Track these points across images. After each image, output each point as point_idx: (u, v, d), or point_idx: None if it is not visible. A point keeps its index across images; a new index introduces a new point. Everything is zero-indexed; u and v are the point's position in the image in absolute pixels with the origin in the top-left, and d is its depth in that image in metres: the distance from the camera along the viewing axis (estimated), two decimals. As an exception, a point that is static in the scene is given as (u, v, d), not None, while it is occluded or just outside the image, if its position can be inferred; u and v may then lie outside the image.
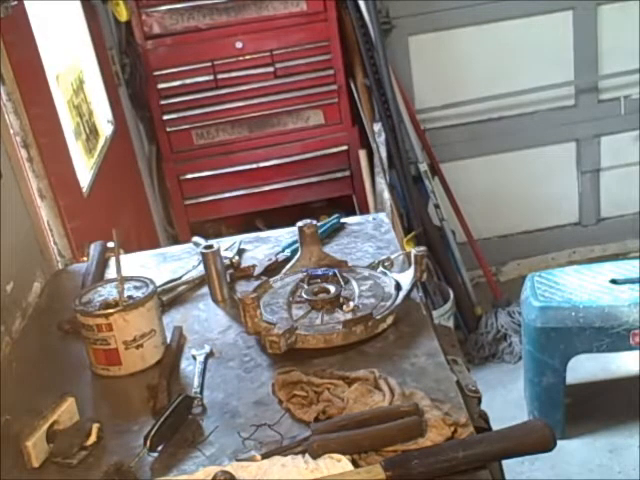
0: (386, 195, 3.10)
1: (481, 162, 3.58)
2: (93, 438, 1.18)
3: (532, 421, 1.08)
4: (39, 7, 2.19)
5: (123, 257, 1.52)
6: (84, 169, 2.38)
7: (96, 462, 1.15)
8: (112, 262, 1.65)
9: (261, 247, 1.74)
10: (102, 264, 1.69)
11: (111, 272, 1.63)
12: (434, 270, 3.21)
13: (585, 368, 2.89)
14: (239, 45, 3.13)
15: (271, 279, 1.52)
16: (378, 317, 1.35)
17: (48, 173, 1.86)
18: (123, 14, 2.97)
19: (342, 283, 1.46)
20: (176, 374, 1.34)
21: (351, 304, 1.39)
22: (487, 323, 3.28)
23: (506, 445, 1.05)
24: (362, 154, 3.20)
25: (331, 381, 1.22)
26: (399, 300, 1.39)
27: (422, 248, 1.47)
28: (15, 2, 1.86)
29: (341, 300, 1.41)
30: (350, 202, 3.31)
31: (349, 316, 1.36)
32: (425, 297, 1.47)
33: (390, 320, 1.37)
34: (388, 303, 1.39)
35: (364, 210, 3.20)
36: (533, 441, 1.06)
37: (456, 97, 3.46)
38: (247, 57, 3.15)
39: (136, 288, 1.38)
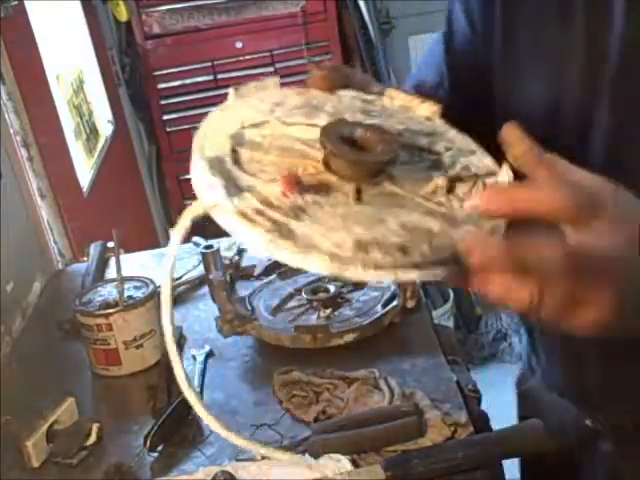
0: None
1: (481, 162, 3.58)
2: (93, 438, 1.18)
3: (532, 421, 1.08)
4: (39, 7, 2.19)
5: (123, 257, 1.52)
6: (84, 169, 2.38)
7: (96, 462, 1.15)
8: (112, 262, 1.65)
9: (261, 247, 1.73)
10: (102, 264, 1.69)
11: (111, 272, 1.63)
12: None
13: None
14: (239, 45, 3.13)
15: None
16: (334, 332, 1.33)
17: (48, 173, 1.86)
18: (123, 14, 2.97)
19: (347, 288, 1.45)
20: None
21: (328, 311, 1.39)
22: (487, 323, 3.28)
23: (506, 445, 1.06)
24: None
25: (331, 381, 1.22)
26: (365, 322, 1.35)
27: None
28: (15, 2, 1.86)
29: (319, 304, 1.40)
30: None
31: (322, 322, 1.36)
32: (425, 297, 1.46)
33: (350, 338, 1.32)
34: (361, 319, 1.35)
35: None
36: (533, 441, 1.05)
37: (456, 97, 3.45)
38: (247, 57, 3.15)
39: (136, 288, 1.38)
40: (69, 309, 1.42)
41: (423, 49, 3.40)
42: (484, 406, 1.20)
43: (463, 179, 0.70)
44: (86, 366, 1.38)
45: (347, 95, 0.81)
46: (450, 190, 0.70)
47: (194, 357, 1.37)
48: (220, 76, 3.15)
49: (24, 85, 1.83)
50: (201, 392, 1.27)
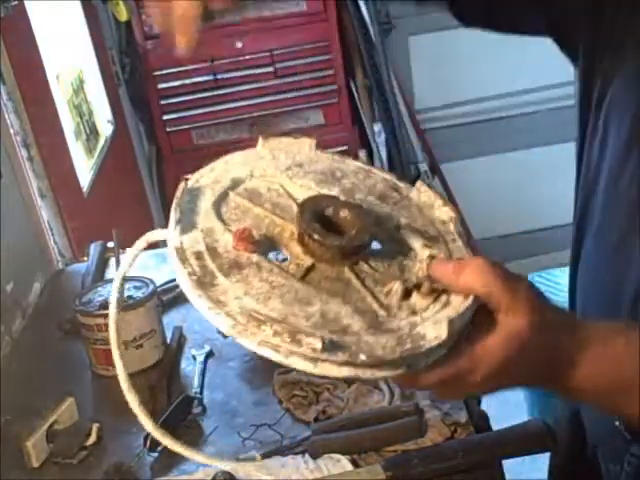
0: (386, 195, 3.10)
1: (481, 162, 3.58)
2: (93, 438, 1.18)
3: (532, 421, 1.08)
4: (39, 7, 2.19)
5: (123, 257, 1.52)
6: (84, 169, 2.38)
7: (96, 462, 1.15)
8: (112, 262, 1.65)
9: (261, 247, 1.73)
10: (102, 264, 1.69)
11: (111, 272, 1.63)
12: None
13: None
14: (239, 45, 3.13)
15: None
16: None
17: (48, 173, 1.86)
18: (123, 14, 2.97)
19: None
20: (176, 374, 1.34)
21: None
22: (487, 323, 3.28)
23: (506, 445, 1.05)
24: (362, 154, 3.20)
25: (331, 381, 1.22)
26: None
27: None
28: (15, 2, 1.86)
29: None
30: (350, 202, 3.30)
31: None
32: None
33: None
34: None
35: (364, 210, 3.20)
36: (533, 441, 1.05)
37: (456, 97, 3.45)
38: (247, 57, 3.14)
39: (136, 288, 1.38)
40: (69, 309, 1.42)
41: (423, 49, 3.40)
42: (484, 406, 1.20)
43: (424, 291, 0.70)
44: (86, 366, 1.38)
45: (378, 176, 0.82)
46: (407, 295, 0.70)
47: (194, 357, 1.37)
48: (220, 76, 3.15)
49: (24, 85, 1.83)
50: (201, 392, 1.27)
